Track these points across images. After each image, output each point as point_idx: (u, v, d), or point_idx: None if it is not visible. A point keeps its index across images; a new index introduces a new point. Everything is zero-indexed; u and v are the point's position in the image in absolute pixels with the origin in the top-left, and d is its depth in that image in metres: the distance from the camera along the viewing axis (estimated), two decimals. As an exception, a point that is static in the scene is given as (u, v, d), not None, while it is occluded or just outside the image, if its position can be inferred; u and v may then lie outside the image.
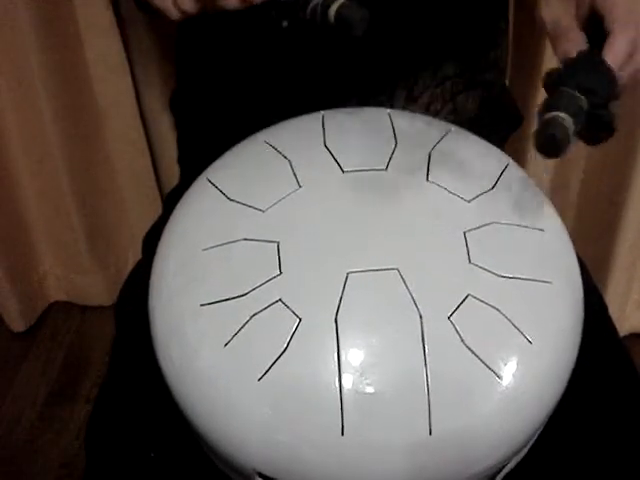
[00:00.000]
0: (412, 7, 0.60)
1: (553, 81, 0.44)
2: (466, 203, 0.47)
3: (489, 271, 0.43)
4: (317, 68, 0.62)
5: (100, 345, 1.20)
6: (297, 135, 0.53)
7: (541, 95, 0.96)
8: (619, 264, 1.09)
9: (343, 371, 0.40)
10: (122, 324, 0.65)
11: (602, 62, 0.44)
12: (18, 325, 1.22)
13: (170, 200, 0.74)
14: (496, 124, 0.69)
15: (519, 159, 0.97)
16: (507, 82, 0.95)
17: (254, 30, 0.61)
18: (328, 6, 0.45)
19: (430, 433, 0.39)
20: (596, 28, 0.46)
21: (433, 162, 0.50)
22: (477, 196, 0.48)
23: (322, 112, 0.54)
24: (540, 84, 0.95)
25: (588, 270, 0.62)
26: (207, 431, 0.43)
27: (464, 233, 0.45)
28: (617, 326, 0.63)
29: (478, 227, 0.46)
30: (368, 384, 0.40)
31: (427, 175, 0.49)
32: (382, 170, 0.49)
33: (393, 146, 0.50)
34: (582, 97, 0.43)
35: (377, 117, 0.54)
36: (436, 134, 0.52)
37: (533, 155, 0.98)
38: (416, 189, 0.48)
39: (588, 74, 0.43)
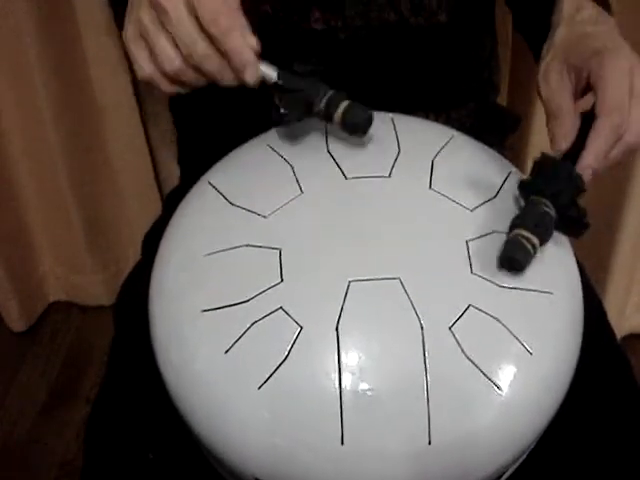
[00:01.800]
0: (405, 43, 0.61)
1: (523, 190, 0.47)
2: (468, 212, 0.47)
3: (491, 281, 0.43)
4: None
5: (100, 345, 1.20)
6: (300, 139, 0.53)
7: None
8: (619, 265, 1.09)
9: (343, 380, 0.40)
10: (121, 325, 0.65)
11: (566, 165, 0.46)
12: (18, 325, 1.22)
13: (170, 200, 0.74)
14: (494, 129, 0.69)
15: (518, 161, 0.97)
16: (505, 85, 0.95)
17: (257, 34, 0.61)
18: (331, 112, 0.48)
19: (429, 443, 0.39)
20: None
21: (436, 170, 0.49)
22: (479, 205, 0.48)
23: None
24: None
25: (587, 275, 0.62)
26: (206, 436, 0.43)
27: (466, 242, 0.45)
28: (617, 327, 0.63)
29: (480, 236, 0.46)
30: (368, 393, 0.40)
31: (430, 183, 0.49)
32: (385, 177, 0.49)
33: (396, 153, 0.50)
34: (548, 202, 0.46)
35: (380, 122, 0.53)
36: (439, 141, 0.52)
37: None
38: (419, 197, 0.48)
39: (552, 180, 0.46)
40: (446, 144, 0.52)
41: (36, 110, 1.01)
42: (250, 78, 0.47)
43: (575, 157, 0.47)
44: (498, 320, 0.42)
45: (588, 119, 0.48)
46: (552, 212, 0.45)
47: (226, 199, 0.48)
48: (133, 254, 1.19)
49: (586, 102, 0.50)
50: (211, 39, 0.45)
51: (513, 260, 0.43)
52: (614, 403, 0.56)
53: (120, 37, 0.96)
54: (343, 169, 0.49)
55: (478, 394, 0.40)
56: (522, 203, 0.47)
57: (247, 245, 0.45)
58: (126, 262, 1.21)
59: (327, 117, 0.48)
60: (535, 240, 0.44)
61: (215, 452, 0.43)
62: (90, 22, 0.95)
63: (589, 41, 0.50)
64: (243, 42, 0.45)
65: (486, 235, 0.46)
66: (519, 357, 0.41)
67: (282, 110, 0.48)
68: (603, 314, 0.63)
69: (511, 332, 0.42)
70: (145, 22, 0.46)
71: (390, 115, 0.54)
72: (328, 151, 0.50)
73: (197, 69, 0.46)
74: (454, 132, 0.54)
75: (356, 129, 0.49)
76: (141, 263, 0.70)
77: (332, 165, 0.50)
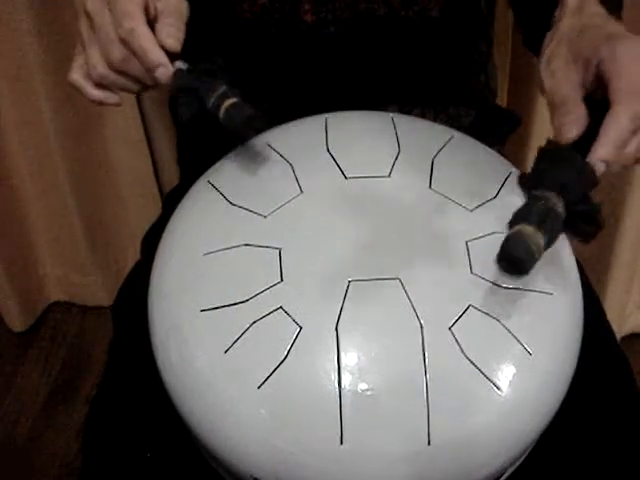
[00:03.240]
0: (397, 36, 0.61)
1: (526, 183, 0.42)
2: (468, 212, 0.47)
3: (490, 282, 0.43)
4: (312, 78, 0.62)
5: (100, 345, 1.20)
6: (300, 138, 0.53)
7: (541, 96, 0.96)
8: (619, 263, 1.09)
9: (343, 380, 0.40)
10: (120, 325, 0.65)
11: (575, 153, 0.40)
12: (18, 325, 1.22)
13: (170, 200, 0.74)
14: (493, 128, 0.69)
15: (518, 161, 0.97)
16: (505, 85, 0.95)
17: (253, 34, 0.61)
18: (217, 110, 0.47)
19: (429, 443, 0.39)
20: (603, 95, 0.42)
21: (436, 170, 0.49)
22: (479, 205, 0.48)
23: (325, 115, 0.54)
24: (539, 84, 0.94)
25: (586, 274, 0.62)
26: (204, 436, 0.43)
27: (466, 243, 0.45)
28: (617, 327, 0.63)
29: (480, 237, 0.46)
30: (368, 393, 0.39)
31: (430, 183, 0.49)
32: (385, 177, 0.49)
33: (396, 152, 0.50)
34: (557, 196, 0.40)
35: (380, 121, 0.53)
36: (439, 140, 0.52)
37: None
38: (419, 197, 0.48)
39: (560, 170, 0.40)
40: (446, 144, 0.51)
41: (36, 110, 1.01)
42: (161, 77, 0.47)
43: (586, 147, 0.40)
44: (498, 320, 0.42)
45: (595, 115, 0.41)
46: (560, 208, 0.40)
47: (226, 198, 0.48)
48: (133, 254, 1.19)
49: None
50: (124, 42, 0.46)
51: (514, 259, 0.38)
52: (613, 403, 0.56)
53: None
54: (343, 169, 0.49)
55: (477, 394, 0.40)
56: (523, 200, 0.42)
57: (246, 244, 0.45)
58: (126, 262, 1.21)
59: (215, 115, 0.47)
60: (540, 239, 0.39)
61: (214, 452, 0.43)
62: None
63: (597, 29, 0.44)
64: (151, 43, 0.46)
65: (486, 236, 0.46)
66: (519, 357, 0.41)
67: (178, 107, 0.48)
68: (602, 314, 0.63)
69: (511, 332, 0.42)
70: (81, 30, 0.48)
71: (390, 115, 0.54)
72: (328, 151, 0.50)
73: (122, 73, 0.48)
74: (454, 132, 0.53)
75: (233, 127, 0.46)
76: (140, 263, 0.70)
77: (332, 165, 0.50)
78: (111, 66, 0.47)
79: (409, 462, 0.39)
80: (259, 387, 0.40)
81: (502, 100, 0.95)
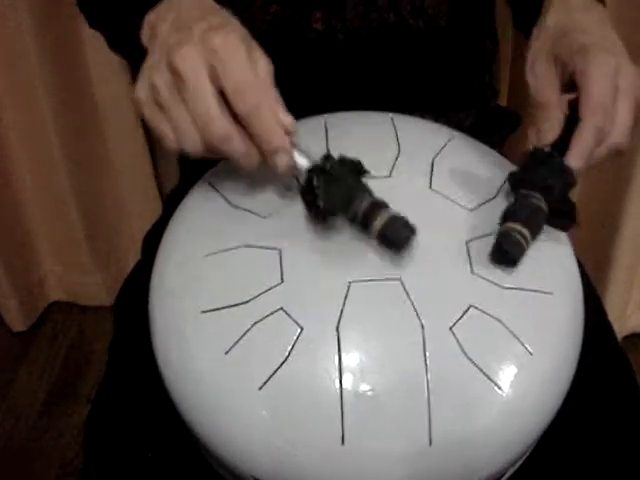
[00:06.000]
0: (404, 45, 0.61)
1: (513, 182, 0.47)
2: (469, 212, 0.47)
3: (491, 282, 0.43)
4: (316, 83, 0.62)
5: (100, 345, 1.20)
6: (299, 139, 0.53)
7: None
8: (620, 264, 1.09)
9: (344, 380, 0.40)
10: (121, 325, 0.65)
11: (558, 160, 0.45)
12: (18, 325, 1.23)
13: (171, 201, 0.74)
14: (493, 128, 0.69)
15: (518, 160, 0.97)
16: (505, 85, 0.95)
17: (262, 40, 0.61)
18: (369, 220, 0.43)
19: (430, 443, 0.39)
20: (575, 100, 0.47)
21: (436, 170, 0.49)
22: (480, 205, 0.48)
23: (325, 115, 0.54)
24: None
25: (587, 274, 0.62)
26: (205, 436, 0.43)
27: (466, 243, 0.45)
28: (618, 326, 0.63)
29: (480, 237, 0.46)
30: (369, 394, 0.39)
31: (430, 183, 0.49)
32: (385, 177, 0.49)
33: (396, 153, 0.50)
34: (540, 197, 0.45)
35: (380, 122, 0.53)
36: (439, 141, 0.52)
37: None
38: (419, 197, 0.48)
39: (544, 174, 0.45)
40: (446, 144, 0.52)
41: (36, 110, 1.01)
42: (282, 166, 0.42)
43: (561, 150, 0.46)
44: (499, 320, 0.42)
45: (573, 111, 0.47)
46: (544, 206, 0.45)
47: (226, 200, 0.48)
48: (133, 254, 1.19)
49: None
50: (235, 117, 0.39)
51: (506, 254, 0.43)
52: (614, 403, 0.56)
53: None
54: (343, 169, 0.49)
55: (479, 394, 0.40)
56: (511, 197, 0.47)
57: (247, 246, 0.45)
58: (126, 262, 1.21)
59: (363, 223, 0.43)
60: (527, 233, 0.44)
61: (215, 452, 0.43)
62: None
63: (577, 34, 0.48)
64: (275, 123, 0.40)
65: (486, 235, 0.46)
66: (520, 357, 0.41)
67: (321, 203, 0.42)
68: (603, 314, 0.63)
69: (512, 332, 0.42)
70: (160, 87, 0.40)
71: (390, 115, 0.54)
72: (328, 151, 0.50)
73: (216, 149, 0.41)
74: (454, 132, 0.54)
75: (393, 245, 0.43)
76: (141, 263, 0.70)
77: (332, 165, 0.49)
78: (206, 141, 0.40)
79: (410, 462, 0.39)
80: (260, 388, 0.40)
81: (502, 100, 0.95)
